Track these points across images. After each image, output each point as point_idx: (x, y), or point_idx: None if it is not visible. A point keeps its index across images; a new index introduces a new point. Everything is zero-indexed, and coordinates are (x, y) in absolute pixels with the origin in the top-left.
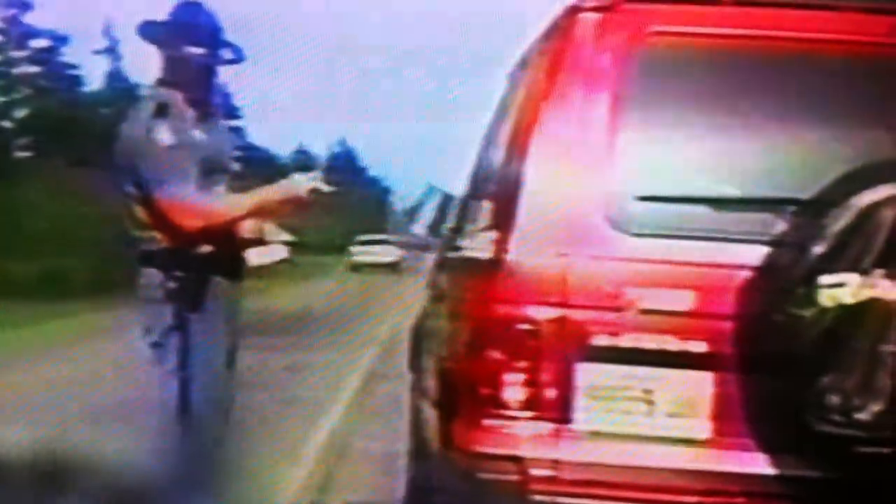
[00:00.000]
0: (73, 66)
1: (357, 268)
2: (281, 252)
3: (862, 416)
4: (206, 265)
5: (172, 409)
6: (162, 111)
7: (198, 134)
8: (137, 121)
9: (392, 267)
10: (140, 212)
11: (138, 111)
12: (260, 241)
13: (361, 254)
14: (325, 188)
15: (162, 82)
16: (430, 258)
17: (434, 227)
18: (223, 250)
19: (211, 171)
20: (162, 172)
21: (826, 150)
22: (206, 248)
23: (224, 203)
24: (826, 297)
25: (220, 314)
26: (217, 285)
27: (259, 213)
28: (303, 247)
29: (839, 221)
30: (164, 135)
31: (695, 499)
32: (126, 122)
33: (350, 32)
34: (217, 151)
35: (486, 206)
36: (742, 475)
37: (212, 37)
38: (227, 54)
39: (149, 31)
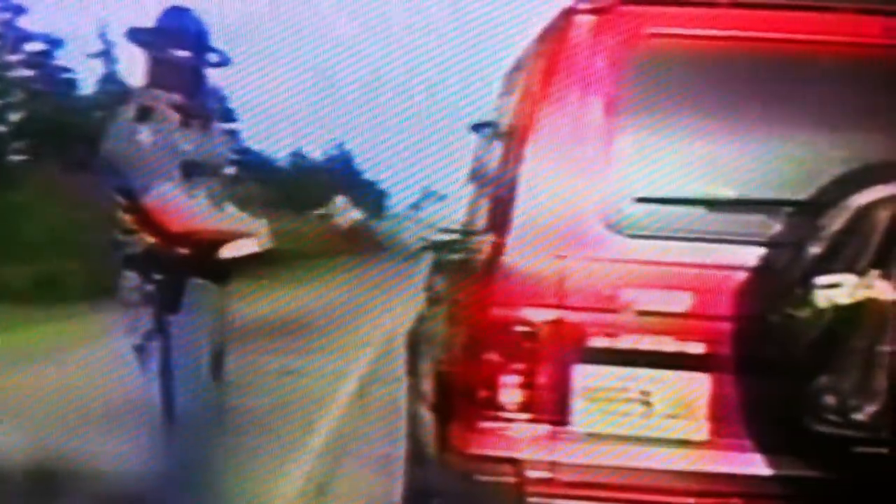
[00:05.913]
0: (68, 70)
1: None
2: (250, 246)
3: (858, 416)
4: (184, 267)
5: (157, 413)
6: (144, 114)
7: (182, 137)
8: (120, 123)
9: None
10: (124, 213)
11: (122, 114)
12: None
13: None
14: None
15: (147, 85)
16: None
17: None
18: (201, 252)
19: (199, 173)
20: (143, 174)
21: (822, 151)
22: (182, 251)
23: (204, 214)
24: (822, 298)
25: (205, 317)
26: (200, 288)
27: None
28: (300, 251)
29: (835, 222)
30: (145, 137)
31: (692, 500)
32: (110, 125)
33: (347, 36)
34: (207, 154)
35: (483, 209)
36: (739, 476)
37: (197, 40)
38: (212, 58)
39: (136, 34)
